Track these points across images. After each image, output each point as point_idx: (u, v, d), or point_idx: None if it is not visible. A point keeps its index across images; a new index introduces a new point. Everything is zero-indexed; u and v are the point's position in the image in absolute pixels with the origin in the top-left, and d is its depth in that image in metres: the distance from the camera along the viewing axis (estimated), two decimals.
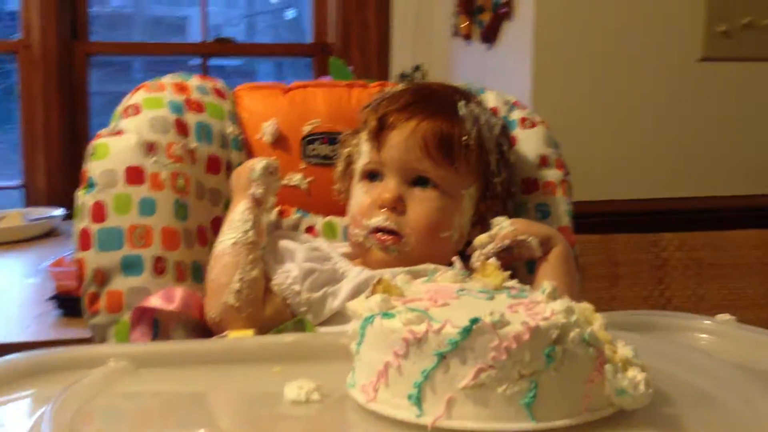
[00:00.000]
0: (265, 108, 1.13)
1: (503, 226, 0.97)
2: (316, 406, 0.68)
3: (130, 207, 0.98)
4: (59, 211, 2.12)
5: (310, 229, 1.10)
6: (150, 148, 1.01)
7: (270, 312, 0.95)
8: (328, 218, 1.11)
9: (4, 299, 1.55)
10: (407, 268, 0.94)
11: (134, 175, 0.99)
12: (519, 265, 1.02)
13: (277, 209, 1.09)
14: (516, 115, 1.16)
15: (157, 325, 0.93)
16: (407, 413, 0.63)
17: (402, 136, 0.98)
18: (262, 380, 0.75)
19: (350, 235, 1.02)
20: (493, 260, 0.75)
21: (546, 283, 0.70)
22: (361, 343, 0.68)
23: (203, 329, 0.96)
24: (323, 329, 0.93)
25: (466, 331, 0.61)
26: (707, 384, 0.71)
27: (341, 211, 1.10)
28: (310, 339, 0.83)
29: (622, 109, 1.91)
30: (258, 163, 0.99)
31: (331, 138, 1.11)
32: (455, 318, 0.63)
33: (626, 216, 1.99)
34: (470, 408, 0.61)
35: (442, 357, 0.62)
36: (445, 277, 0.80)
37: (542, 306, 0.66)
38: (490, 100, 1.16)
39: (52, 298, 1.44)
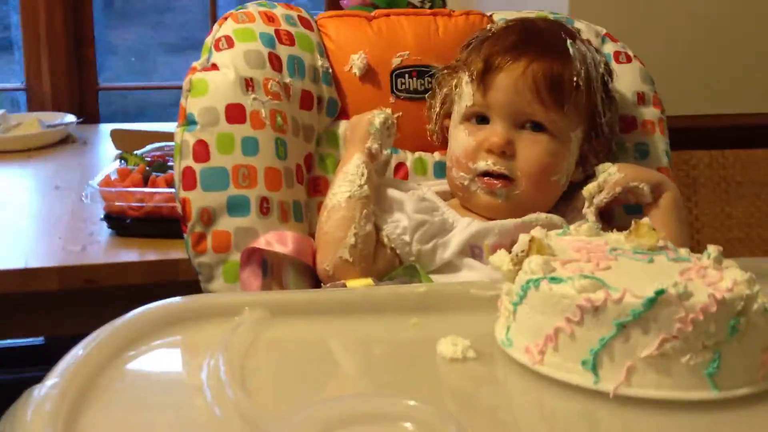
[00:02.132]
0: (352, 38, 1.08)
1: (611, 173, 0.95)
2: (474, 364, 0.67)
3: (233, 146, 0.94)
4: (71, 117, 2.05)
5: (400, 166, 1.06)
6: (248, 84, 0.97)
7: (381, 263, 0.93)
8: (417, 154, 1.07)
9: (50, 216, 1.49)
10: (520, 220, 0.92)
11: (235, 113, 0.95)
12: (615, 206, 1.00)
13: None
14: (609, 48, 1.12)
15: (266, 267, 0.91)
16: (582, 379, 0.62)
17: (511, 79, 0.94)
18: (403, 332, 0.74)
19: (452, 178, 0.98)
20: (646, 219, 0.73)
21: (711, 247, 0.68)
22: (519, 303, 0.67)
23: (313, 275, 0.95)
24: (435, 276, 0.92)
25: (650, 302, 0.60)
26: None
27: (429, 146, 1.08)
28: (441, 289, 0.81)
29: (656, 24, 1.85)
30: (377, 117, 0.97)
31: (420, 71, 1.07)
32: (633, 286, 0.62)
33: None
34: (652, 376, 0.61)
35: (623, 326, 0.61)
36: (581, 231, 0.78)
37: (715, 273, 0.65)
38: (581, 31, 1.12)
39: (105, 218, 1.39)
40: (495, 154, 0.94)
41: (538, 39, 0.97)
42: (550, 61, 0.94)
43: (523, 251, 0.70)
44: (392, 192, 0.97)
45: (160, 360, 0.69)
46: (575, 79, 0.94)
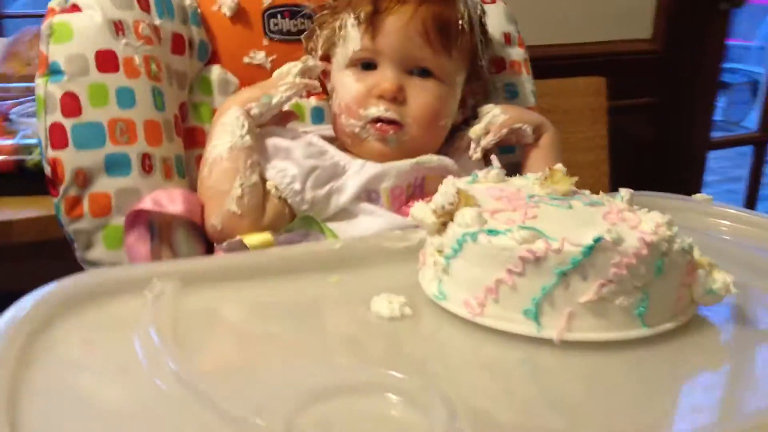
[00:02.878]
0: None
1: (495, 114, 0.97)
2: (413, 321, 0.67)
3: (107, 98, 0.86)
4: None
5: None
6: (117, 27, 0.87)
7: (271, 215, 0.89)
8: (293, 99, 1.03)
9: None
10: (414, 161, 0.92)
11: (107, 61, 0.86)
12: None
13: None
14: None
15: (153, 229, 0.85)
16: (526, 327, 0.64)
17: (401, 23, 0.92)
18: (327, 291, 0.72)
19: (342, 125, 0.95)
20: (559, 166, 0.75)
21: (623, 190, 0.72)
22: (453, 257, 0.67)
23: (203, 235, 0.89)
24: (330, 225, 0.90)
25: (589, 249, 0.62)
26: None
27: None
28: (355, 244, 0.79)
29: None
30: (278, 95, 0.92)
31: (292, 11, 1.02)
32: (569, 234, 0.64)
33: None
34: (590, 320, 0.64)
35: (563, 274, 0.63)
36: (489, 178, 0.80)
37: (632, 215, 0.68)
38: None
39: None
40: (386, 100, 0.92)
41: None
42: (438, 4, 0.93)
43: (451, 203, 0.70)
44: (276, 140, 0.93)
45: (82, 343, 0.63)
46: (461, 22, 0.94)
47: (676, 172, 2.14)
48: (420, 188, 0.93)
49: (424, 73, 0.94)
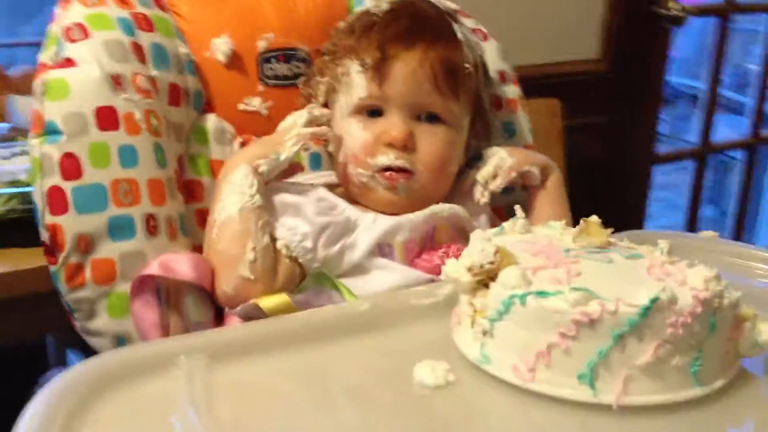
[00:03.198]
0: (210, 18, 0.96)
1: (502, 157, 0.95)
2: (458, 389, 0.64)
3: (109, 158, 0.81)
4: None
5: None
6: (116, 81, 0.83)
7: (282, 275, 0.85)
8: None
9: None
10: (428, 212, 0.89)
11: (107, 118, 0.81)
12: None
13: (238, 141, 0.96)
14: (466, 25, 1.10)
15: (160, 295, 0.80)
16: (581, 393, 0.61)
17: (409, 69, 0.89)
18: (364, 359, 0.69)
19: (349, 175, 0.92)
20: (594, 217, 0.73)
21: (661, 242, 0.70)
22: (499, 320, 0.65)
23: (212, 300, 0.84)
24: (343, 281, 0.86)
25: (646, 310, 0.60)
26: None
27: None
28: (383, 303, 0.75)
29: None
30: (287, 150, 0.88)
31: (286, 55, 0.98)
32: (621, 293, 0.62)
33: None
34: (646, 383, 0.62)
35: (619, 336, 0.61)
36: (516, 228, 0.78)
37: (675, 269, 0.67)
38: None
39: None
40: (396, 148, 0.89)
41: (428, 24, 0.93)
42: (444, 48, 0.91)
43: (491, 262, 0.67)
44: (284, 196, 0.88)
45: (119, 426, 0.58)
46: (467, 65, 0.92)
47: (622, 188, 2.16)
48: (431, 239, 0.90)
49: (433, 118, 0.91)
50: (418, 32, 0.90)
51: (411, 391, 0.64)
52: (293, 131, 0.90)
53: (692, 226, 2.33)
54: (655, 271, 0.67)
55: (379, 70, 0.89)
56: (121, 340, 0.83)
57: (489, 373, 0.65)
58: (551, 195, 0.97)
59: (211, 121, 0.95)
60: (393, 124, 0.89)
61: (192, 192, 0.92)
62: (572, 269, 0.66)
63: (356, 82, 0.91)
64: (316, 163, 1.01)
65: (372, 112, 0.91)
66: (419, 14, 0.94)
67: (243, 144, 0.96)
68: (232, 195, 0.84)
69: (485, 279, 0.69)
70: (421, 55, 0.89)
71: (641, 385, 0.62)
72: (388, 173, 0.90)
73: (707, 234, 0.96)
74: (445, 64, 0.90)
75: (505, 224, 0.78)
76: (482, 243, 0.70)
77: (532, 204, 0.97)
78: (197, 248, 0.88)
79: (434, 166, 0.91)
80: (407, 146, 0.90)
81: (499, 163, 0.95)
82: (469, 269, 0.69)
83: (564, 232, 0.77)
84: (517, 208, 0.80)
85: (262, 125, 0.97)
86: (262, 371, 0.66)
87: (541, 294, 0.63)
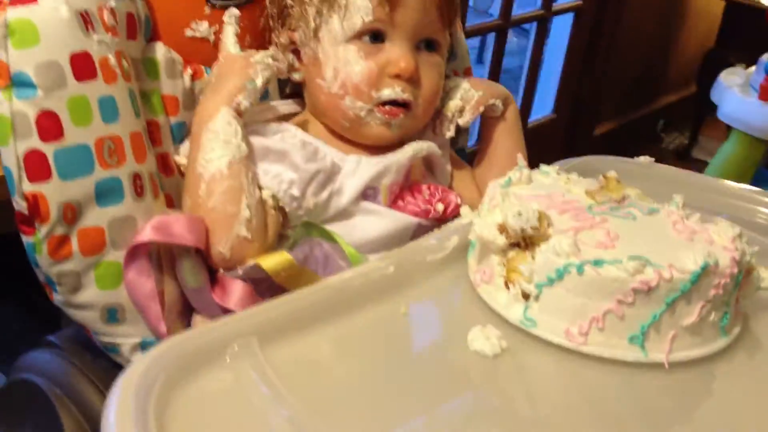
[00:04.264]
0: None
1: (466, 89, 0.92)
2: (511, 355, 0.65)
3: (90, 113, 0.69)
4: None
5: None
6: (86, 21, 0.70)
7: (272, 230, 0.79)
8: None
9: None
10: (411, 153, 0.85)
11: (83, 66, 0.69)
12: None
13: (188, 72, 0.85)
14: None
15: (154, 261, 0.72)
16: (632, 353, 0.65)
17: None
18: (404, 326, 0.67)
19: (344, 108, 0.84)
20: (613, 173, 0.74)
21: (676, 196, 0.73)
22: (550, 285, 0.65)
23: (205, 261, 0.77)
24: (328, 227, 0.82)
25: (696, 276, 0.64)
26: None
27: None
28: (403, 263, 0.72)
29: None
30: (260, 75, 0.79)
31: None
32: (672, 259, 0.64)
33: None
34: (688, 340, 0.66)
35: (672, 301, 0.64)
36: (522, 179, 0.78)
37: (702, 227, 0.71)
38: None
39: None
40: (403, 81, 0.83)
41: None
42: None
43: (534, 228, 0.67)
44: (263, 141, 0.81)
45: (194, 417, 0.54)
46: None
47: None
48: (407, 177, 0.87)
49: (430, 46, 0.86)
50: None
51: (476, 362, 0.64)
52: (257, 56, 0.81)
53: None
54: (680, 227, 0.71)
55: None
56: (111, 312, 0.75)
57: (538, 336, 0.67)
58: (510, 128, 0.96)
59: (160, 51, 0.83)
60: (401, 55, 0.82)
61: (150, 135, 0.81)
62: (610, 231, 0.68)
63: (358, 4, 0.81)
64: (264, 95, 0.92)
65: (374, 37, 0.83)
66: None
67: (194, 76, 0.86)
68: (217, 145, 0.76)
69: (519, 241, 0.69)
70: None
71: (683, 342, 0.66)
72: (388, 107, 0.83)
73: (644, 159, 1.01)
74: None
75: (510, 174, 0.77)
76: (517, 204, 0.69)
77: (491, 135, 0.96)
78: (168, 199, 0.79)
79: (432, 99, 0.87)
80: (413, 78, 0.83)
81: (465, 95, 0.92)
82: (503, 231, 0.69)
83: (568, 182, 0.79)
84: (519, 157, 0.79)
85: (210, 53, 0.87)
86: (314, 346, 0.63)
87: (598, 263, 0.64)
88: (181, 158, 0.84)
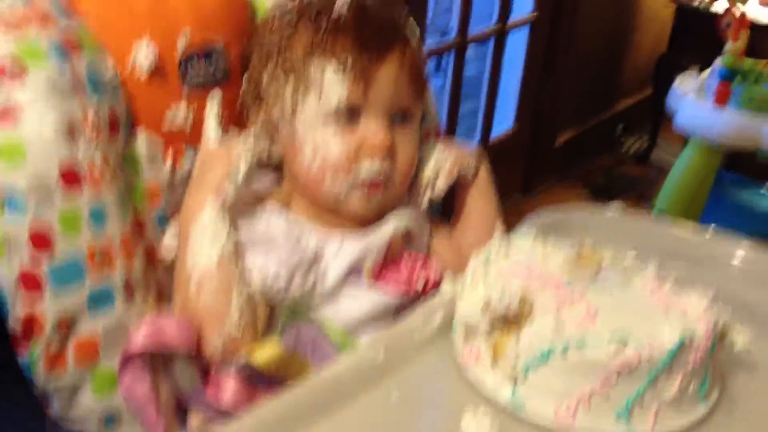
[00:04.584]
0: (125, 20, 0.83)
1: (438, 155, 0.93)
2: None
3: (80, 224, 0.70)
4: None
5: None
6: (72, 126, 0.70)
7: (261, 322, 0.80)
8: None
9: None
10: (391, 231, 0.87)
11: (71, 177, 0.70)
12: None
13: (170, 156, 0.86)
14: None
15: (148, 365, 0.73)
16: (620, 430, 0.68)
17: (393, 70, 0.83)
18: (397, 415, 0.69)
19: (324, 188, 0.85)
20: (589, 242, 0.77)
21: (650, 266, 0.76)
22: (534, 367, 0.68)
23: (199, 361, 0.78)
24: (315, 310, 0.83)
25: (674, 352, 0.67)
26: None
27: None
28: (392, 345, 0.74)
29: None
30: (243, 163, 0.80)
31: (207, 53, 0.88)
32: (650, 333, 0.67)
33: None
34: (671, 412, 0.69)
35: (654, 377, 0.67)
36: (500, 253, 0.80)
37: (678, 298, 0.73)
38: None
39: None
40: (379, 158, 0.84)
41: (396, 23, 0.88)
42: (413, 45, 0.86)
43: (517, 308, 0.69)
44: (249, 232, 0.82)
45: None
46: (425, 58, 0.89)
47: None
48: (387, 251, 0.89)
49: (405, 118, 0.87)
50: (394, 33, 0.85)
51: None
52: (238, 144, 0.83)
53: (454, 116, 2.45)
54: (655, 297, 0.74)
55: (363, 73, 0.82)
56: (109, 420, 0.75)
57: (528, 419, 0.69)
58: (483, 190, 0.97)
59: (141, 141, 0.84)
60: (375, 132, 0.83)
61: (136, 227, 0.81)
62: (590, 306, 0.71)
63: (331, 84, 0.82)
64: None
65: (349, 114, 0.84)
66: (383, 14, 0.87)
67: (174, 160, 0.87)
68: (204, 242, 0.77)
69: (501, 319, 0.71)
70: (400, 56, 0.84)
71: (667, 414, 0.69)
72: (367, 184, 0.85)
73: (616, 207, 1.03)
74: (417, 62, 0.86)
75: (489, 247, 0.79)
76: (499, 283, 0.72)
77: (465, 196, 0.97)
78: (159, 291, 0.80)
79: (408, 171, 0.88)
80: (389, 153, 0.85)
81: (438, 162, 0.94)
82: (486, 311, 0.71)
83: (546, 251, 0.81)
84: (497, 226, 0.82)
85: (189, 134, 0.88)
86: None
87: (581, 344, 0.67)
88: (166, 246, 0.85)
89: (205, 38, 0.89)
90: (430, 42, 2.42)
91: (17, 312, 0.69)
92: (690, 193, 2.28)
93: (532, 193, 2.84)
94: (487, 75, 2.64)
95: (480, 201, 0.97)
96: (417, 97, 0.88)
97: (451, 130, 2.47)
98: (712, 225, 1.06)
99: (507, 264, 0.78)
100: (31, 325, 0.69)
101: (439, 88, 2.49)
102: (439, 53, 2.44)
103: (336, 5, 0.85)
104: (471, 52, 2.46)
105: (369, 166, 0.84)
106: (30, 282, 0.69)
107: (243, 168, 0.81)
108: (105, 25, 0.82)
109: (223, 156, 0.82)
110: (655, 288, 0.75)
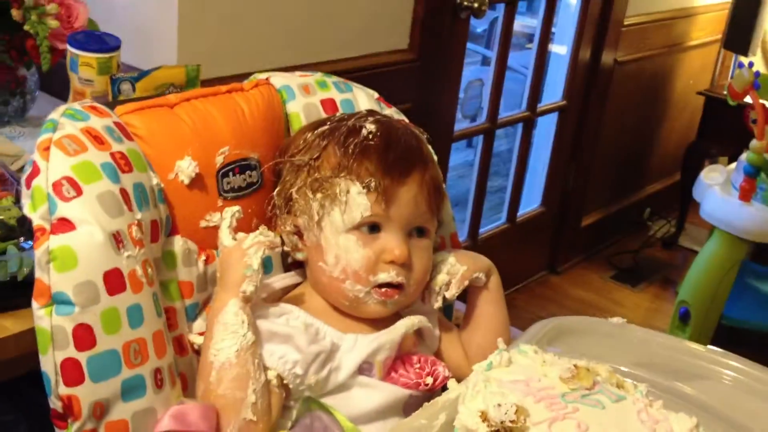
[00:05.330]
0: (169, 137, 0.93)
1: (453, 264, 1.02)
2: None
3: (120, 322, 0.79)
4: None
5: None
6: (117, 240, 0.80)
7: (275, 409, 0.89)
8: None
9: None
10: (402, 329, 0.95)
11: (115, 282, 0.79)
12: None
13: (202, 259, 0.95)
14: (387, 113, 1.13)
15: None
16: None
17: (411, 193, 0.95)
18: None
19: (344, 290, 0.94)
20: (584, 362, 0.83)
21: (641, 386, 0.82)
22: None
23: None
24: (326, 401, 0.91)
25: None
26: None
27: None
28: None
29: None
30: (254, 258, 0.88)
31: (242, 166, 0.98)
32: None
33: None
34: None
35: None
36: (502, 362, 0.86)
37: (663, 417, 0.79)
38: (361, 99, 1.13)
39: None
40: (397, 266, 0.94)
41: (418, 149, 0.99)
42: (430, 167, 0.98)
43: (512, 421, 0.76)
44: (268, 324, 0.91)
45: None
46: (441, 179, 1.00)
47: None
48: (399, 348, 0.96)
49: (421, 233, 0.98)
50: (414, 158, 0.97)
51: None
52: (248, 240, 0.91)
53: (482, 191, 2.53)
54: (644, 416, 0.79)
55: (385, 194, 0.92)
56: None
57: None
58: (493, 296, 1.05)
59: (178, 243, 0.93)
60: (395, 244, 0.94)
61: (168, 321, 0.90)
62: (581, 423, 0.77)
63: (357, 202, 0.93)
64: (269, 266, 1.02)
65: (371, 228, 0.94)
66: (406, 140, 0.98)
67: (206, 261, 0.96)
68: (226, 336, 0.86)
69: (498, 428, 0.77)
70: (419, 179, 0.96)
71: None
72: (384, 289, 0.95)
73: (617, 320, 1.09)
74: (435, 184, 0.98)
75: (491, 358, 0.86)
76: (498, 394, 0.78)
77: (475, 302, 1.05)
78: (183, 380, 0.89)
79: (422, 279, 0.99)
80: (406, 263, 0.95)
81: (452, 270, 1.02)
82: (485, 419, 0.77)
83: (545, 365, 0.87)
84: (500, 341, 0.88)
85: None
86: None
87: None
88: (194, 336, 0.93)
89: (242, 153, 0.99)
90: (459, 127, 2.51)
91: (58, 392, 0.78)
92: (714, 283, 2.30)
93: (557, 272, 2.89)
94: (516, 152, 2.73)
95: (490, 306, 1.05)
96: (433, 214, 0.99)
97: (478, 205, 2.55)
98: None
99: (506, 374, 0.85)
100: (69, 405, 0.78)
101: (468, 163, 2.58)
102: (468, 137, 2.54)
103: (363, 131, 0.95)
104: (501, 131, 2.55)
105: (387, 275, 0.94)
106: (71, 369, 0.77)
107: (256, 262, 0.89)
108: (153, 147, 0.92)
109: (237, 256, 0.90)
110: (644, 408, 0.81)
